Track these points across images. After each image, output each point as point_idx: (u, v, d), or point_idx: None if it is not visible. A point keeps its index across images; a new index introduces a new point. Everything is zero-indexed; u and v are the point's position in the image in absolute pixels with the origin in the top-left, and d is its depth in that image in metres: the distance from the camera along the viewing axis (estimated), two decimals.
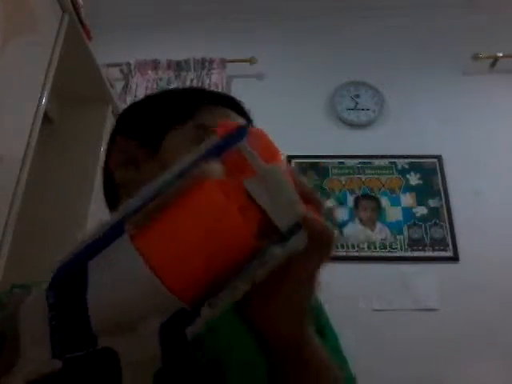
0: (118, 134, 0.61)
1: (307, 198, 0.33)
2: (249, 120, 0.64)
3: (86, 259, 0.27)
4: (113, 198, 0.62)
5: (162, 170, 0.53)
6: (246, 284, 0.30)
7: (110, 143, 0.62)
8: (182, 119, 0.58)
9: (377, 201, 2.17)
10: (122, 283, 0.27)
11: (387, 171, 2.23)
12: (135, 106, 0.67)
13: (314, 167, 2.25)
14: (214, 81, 2.36)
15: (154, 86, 2.38)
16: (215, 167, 0.30)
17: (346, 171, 2.24)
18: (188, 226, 0.28)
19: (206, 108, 0.60)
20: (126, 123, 0.63)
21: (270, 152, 0.32)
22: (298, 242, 0.31)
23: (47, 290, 0.27)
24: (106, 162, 0.62)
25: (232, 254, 0.28)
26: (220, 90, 2.33)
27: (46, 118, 1.34)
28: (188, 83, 2.37)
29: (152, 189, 0.30)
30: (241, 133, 0.31)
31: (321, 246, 0.34)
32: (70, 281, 0.27)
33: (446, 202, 2.13)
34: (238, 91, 2.44)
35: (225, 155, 0.31)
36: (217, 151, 0.31)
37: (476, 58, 2.37)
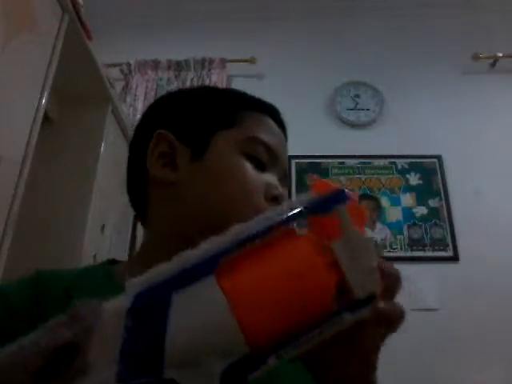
0: (157, 126, 0.55)
1: (383, 272, 0.33)
2: (285, 131, 0.62)
3: (171, 290, 0.27)
4: (138, 192, 0.57)
5: (203, 176, 0.52)
6: (313, 342, 0.30)
7: (145, 133, 0.57)
8: (226, 124, 0.55)
9: (377, 201, 2.17)
10: (202, 321, 0.27)
11: (387, 171, 2.23)
12: (174, 98, 0.62)
13: (314, 167, 2.25)
14: (214, 81, 2.36)
15: (154, 86, 2.38)
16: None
17: (346, 171, 2.24)
18: (276, 275, 0.29)
19: (251, 116, 0.57)
20: (166, 116, 0.58)
21: (360, 221, 0.32)
22: (367, 312, 0.31)
23: (127, 312, 0.27)
24: (137, 152, 0.57)
25: (311, 310, 0.29)
26: None
27: (46, 118, 1.34)
28: (188, 83, 2.37)
29: (246, 231, 0.29)
30: (341, 196, 0.31)
31: (391, 324, 0.35)
32: (152, 308, 0.27)
33: (446, 202, 2.13)
34: None
35: (318, 215, 0.31)
36: (322, 209, 0.31)
37: (476, 58, 2.37)
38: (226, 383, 0.27)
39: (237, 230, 0.30)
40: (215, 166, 0.52)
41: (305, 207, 0.31)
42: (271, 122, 0.58)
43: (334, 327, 0.30)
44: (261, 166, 0.53)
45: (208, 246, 0.29)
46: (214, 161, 0.53)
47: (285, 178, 0.57)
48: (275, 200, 0.51)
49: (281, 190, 0.52)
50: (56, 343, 0.25)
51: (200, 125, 0.55)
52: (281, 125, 0.60)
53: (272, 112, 0.60)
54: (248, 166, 0.52)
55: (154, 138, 0.54)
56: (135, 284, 0.28)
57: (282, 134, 0.59)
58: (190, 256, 0.29)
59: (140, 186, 0.56)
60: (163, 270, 0.28)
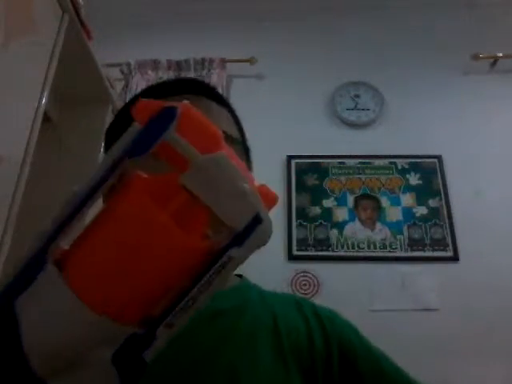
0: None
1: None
2: (223, 101, 0.59)
3: (11, 298, 0.24)
4: None
5: None
6: (207, 293, 0.26)
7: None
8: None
9: (377, 201, 2.17)
10: (55, 319, 0.24)
11: (387, 171, 2.23)
12: (108, 127, 0.63)
13: (314, 167, 2.25)
14: (214, 81, 2.36)
15: None
16: (139, 163, 0.25)
17: (346, 171, 2.24)
18: (115, 242, 0.25)
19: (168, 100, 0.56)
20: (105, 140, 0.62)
21: (206, 136, 0.26)
22: (259, 239, 0.26)
23: None
24: None
25: (173, 267, 0.25)
26: (220, 92, 2.33)
27: (46, 118, 1.34)
28: None
29: (70, 203, 0.26)
30: (167, 117, 0.25)
31: None
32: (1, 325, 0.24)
33: (446, 202, 2.13)
34: (237, 91, 2.44)
35: (154, 150, 0.25)
36: (143, 147, 0.25)
37: (476, 57, 2.37)
38: (122, 369, 0.25)
39: (64, 206, 0.26)
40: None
41: (125, 152, 0.26)
42: (172, 100, 0.56)
43: (226, 268, 0.26)
44: None
45: (37, 237, 0.26)
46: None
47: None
48: None
49: None
50: None
51: (112, 137, 0.56)
52: (204, 92, 0.58)
53: (187, 87, 0.57)
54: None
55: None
56: None
57: (201, 100, 0.56)
58: (25, 254, 0.26)
59: None
60: (3, 279, 0.25)
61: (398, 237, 2.08)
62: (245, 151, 0.61)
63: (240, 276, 0.64)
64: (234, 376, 0.49)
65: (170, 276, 0.25)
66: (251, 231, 0.25)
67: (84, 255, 0.25)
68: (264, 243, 0.26)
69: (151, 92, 0.59)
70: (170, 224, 0.25)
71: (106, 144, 0.61)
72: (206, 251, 0.26)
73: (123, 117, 0.57)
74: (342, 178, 2.22)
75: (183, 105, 0.26)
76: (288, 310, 0.60)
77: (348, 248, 2.06)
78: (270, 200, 0.27)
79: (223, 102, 0.60)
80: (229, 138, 0.53)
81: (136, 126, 0.26)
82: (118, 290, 0.25)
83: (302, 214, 2.13)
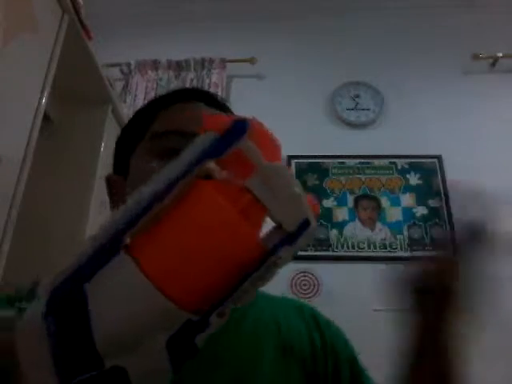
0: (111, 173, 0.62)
1: None
2: (222, 107, 0.61)
3: (82, 281, 0.26)
4: None
5: (130, 190, 0.54)
6: (256, 288, 0.29)
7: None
8: (140, 136, 0.57)
9: (377, 201, 2.17)
10: (124, 302, 0.26)
11: (387, 171, 2.23)
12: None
13: (314, 167, 2.25)
14: (214, 81, 2.36)
15: (154, 86, 2.38)
16: (212, 167, 0.28)
17: (346, 171, 2.24)
18: (187, 234, 0.27)
19: (161, 115, 0.58)
20: (113, 158, 0.64)
21: (269, 148, 0.30)
22: (306, 240, 0.29)
23: (44, 316, 0.26)
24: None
25: (236, 260, 0.27)
26: (220, 92, 2.33)
27: (46, 118, 1.34)
28: (188, 83, 2.37)
29: (145, 197, 0.28)
30: (240, 128, 0.29)
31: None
32: (69, 306, 0.26)
33: (445, 202, 2.13)
34: (238, 91, 2.44)
35: (224, 154, 0.29)
36: (220, 150, 0.29)
37: (476, 57, 2.37)
38: (175, 353, 0.27)
39: (137, 197, 0.28)
40: (132, 178, 0.56)
41: (204, 153, 0.28)
42: (181, 106, 0.58)
43: (274, 266, 0.28)
44: (174, 152, 0.53)
45: (109, 224, 0.28)
46: (132, 173, 0.56)
47: None
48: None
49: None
50: None
51: (120, 150, 0.60)
52: (202, 98, 0.60)
53: (183, 96, 0.60)
54: (158, 165, 0.51)
55: (106, 184, 0.61)
56: (46, 285, 0.26)
57: (199, 107, 0.58)
58: (95, 238, 0.27)
59: None
60: (70, 263, 0.27)
61: (398, 237, 2.08)
62: None
63: None
64: (237, 377, 0.49)
65: (233, 268, 0.27)
66: (301, 233, 0.29)
67: (158, 244, 0.27)
68: (308, 243, 0.30)
69: (155, 103, 0.61)
70: (240, 218, 0.27)
71: (115, 158, 0.62)
72: (265, 249, 0.28)
73: (132, 130, 0.60)
74: (342, 178, 2.22)
75: (252, 119, 0.30)
76: (290, 313, 0.60)
77: (348, 248, 2.06)
78: (315, 208, 0.30)
79: (223, 108, 0.61)
80: None
81: (211, 133, 0.29)
82: (186, 276, 0.27)
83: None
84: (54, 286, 0.26)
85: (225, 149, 0.28)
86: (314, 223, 0.29)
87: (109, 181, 0.60)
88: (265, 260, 0.28)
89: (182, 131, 0.53)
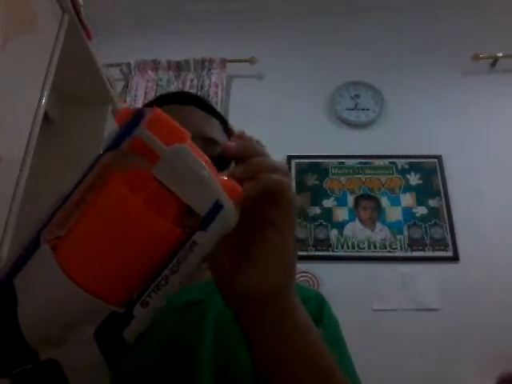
0: None
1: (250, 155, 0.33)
2: (213, 112, 0.64)
3: (11, 277, 0.27)
4: None
5: None
6: (177, 276, 0.29)
7: None
8: None
9: (377, 201, 2.17)
10: (44, 294, 0.27)
11: (387, 171, 2.23)
12: None
13: (314, 167, 2.25)
14: (214, 81, 2.36)
15: (154, 86, 2.38)
16: (118, 159, 0.29)
17: (346, 171, 2.24)
18: (98, 227, 0.28)
19: None
20: None
21: (173, 133, 0.30)
22: (223, 223, 0.28)
23: None
24: None
25: (146, 248, 0.28)
26: (220, 92, 2.33)
27: (46, 118, 1.34)
28: (188, 83, 2.37)
29: (63, 195, 0.29)
30: (135, 119, 0.29)
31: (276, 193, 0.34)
32: (1, 300, 0.27)
33: (446, 201, 2.13)
34: (237, 91, 2.44)
35: (128, 145, 0.29)
36: (118, 142, 0.29)
37: (476, 57, 2.37)
38: (104, 346, 0.27)
39: (57, 198, 0.30)
40: None
41: (105, 147, 0.30)
42: (168, 108, 0.60)
43: (193, 252, 0.28)
44: None
45: (35, 223, 0.29)
46: None
47: (207, 142, 0.57)
48: None
49: None
50: None
51: None
52: (191, 102, 0.63)
53: (172, 99, 0.62)
54: None
55: None
56: None
57: (187, 110, 0.61)
58: (25, 239, 0.29)
59: None
60: (7, 262, 0.28)
61: (398, 237, 2.08)
62: None
63: None
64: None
65: (146, 257, 0.28)
66: (214, 217, 0.28)
67: (73, 239, 0.28)
68: (228, 229, 0.29)
69: (154, 101, 0.65)
70: (141, 206, 0.27)
71: None
72: (178, 236, 0.28)
73: None
74: (342, 178, 2.22)
75: (153, 108, 0.29)
76: None
77: (348, 248, 2.06)
78: (236, 193, 0.30)
79: (213, 111, 0.64)
80: (214, 143, 0.58)
81: (115, 128, 0.30)
82: (101, 268, 0.27)
83: (302, 213, 2.13)
84: None
85: (121, 140, 0.29)
86: (228, 205, 0.28)
87: None
88: (180, 246, 0.28)
89: None
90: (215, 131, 0.61)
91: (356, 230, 2.10)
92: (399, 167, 2.24)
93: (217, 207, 0.28)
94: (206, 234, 0.28)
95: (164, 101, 0.62)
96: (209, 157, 0.55)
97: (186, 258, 0.28)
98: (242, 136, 0.36)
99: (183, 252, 0.28)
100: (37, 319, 0.27)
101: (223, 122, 0.66)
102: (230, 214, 0.29)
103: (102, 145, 0.30)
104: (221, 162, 0.56)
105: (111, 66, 2.16)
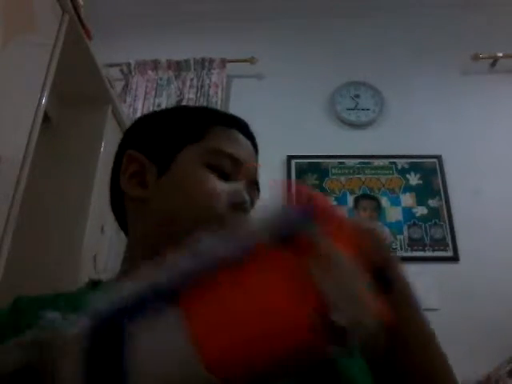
0: (129, 148, 0.59)
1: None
2: (254, 142, 0.64)
3: (124, 320, 0.25)
4: (118, 207, 0.60)
5: (169, 190, 0.54)
6: (292, 371, 0.28)
7: (119, 155, 0.60)
8: (193, 139, 0.57)
9: (377, 201, 2.17)
10: (163, 358, 0.25)
11: (387, 171, 2.23)
12: (146, 120, 0.65)
13: (314, 167, 2.25)
14: (214, 81, 2.36)
15: (154, 86, 2.38)
16: (276, 245, 0.28)
17: (346, 171, 2.24)
18: (242, 309, 0.26)
19: (217, 130, 0.59)
20: (137, 137, 0.62)
21: (340, 237, 0.29)
22: (364, 343, 0.27)
23: (80, 346, 0.25)
24: (114, 172, 0.60)
25: (283, 344, 0.26)
26: (220, 92, 2.33)
27: (46, 118, 1.34)
28: (188, 83, 2.37)
29: (210, 252, 0.27)
30: (310, 211, 0.29)
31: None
32: (105, 341, 0.25)
33: (445, 202, 2.13)
34: (237, 91, 2.44)
35: (294, 237, 0.28)
36: (285, 233, 0.28)
37: (476, 57, 2.37)
38: None
39: (203, 247, 0.27)
40: (179, 179, 0.55)
41: (275, 225, 0.28)
42: (238, 135, 0.60)
43: (315, 355, 0.27)
44: (225, 176, 0.55)
45: (166, 270, 0.27)
46: (179, 174, 0.55)
47: (253, 185, 0.59)
48: (240, 207, 0.53)
49: (246, 197, 0.54)
50: (8, 366, 0.24)
51: (166, 142, 0.58)
52: (250, 137, 0.62)
53: (240, 125, 0.62)
54: (211, 177, 0.54)
55: (125, 159, 0.57)
56: (94, 310, 0.26)
57: (249, 145, 0.61)
58: (145, 280, 0.26)
59: (119, 202, 0.59)
60: (121, 293, 0.26)
61: (398, 237, 2.08)
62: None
63: None
64: None
65: (275, 350, 0.26)
66: (356, 336, 0.27)
67: (212, 311, 0.26)
68: (367, 351, 0.30)
69: (212, 114, 0.62)
70: (295, 302, 0.26)
71: (152, 142, 0.60)
72: (309, 339, 0.26)
73: (183, 127, 0.59)
74: (342, 178, 2.22)
75: (334, 205, 0.29)
76: None
77: None
78: (381, 312, 0.28)
79: (252, 138, 0.63)
80: (257, 185, 0.60)
81: (286, 210, 0.29)
82: (233, 353, 0.25)
83: None
84: (96, 314, 0.25)
85: (289, 232, 0.28)
86: (367, 322, 0.27)
87: (131, 158, 0.58)
88: (308, 349, 0.26)
89: (236, 159, 0.56)
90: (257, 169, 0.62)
91: None
92: (399, 167, 2.24)
93: (355, 325, 0.27)
94: (342, 349, 0.27)
95: (232, 122, 0.61)
96: (251, 200, 0.56)
97: (311, 358, 0.27)
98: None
99: (310, 353, 0.27)
100: (146, 374, 0.24)
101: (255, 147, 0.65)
102: (373, 336, 0.28)
103: (265, 221, 0.29)
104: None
105: (111, 66, 2.16)
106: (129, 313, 0.25)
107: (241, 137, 0.60)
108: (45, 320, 0.26)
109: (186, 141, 0.57)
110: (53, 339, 0.25)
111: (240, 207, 0.53)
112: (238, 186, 0.55)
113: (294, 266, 0.27)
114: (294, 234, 0.28)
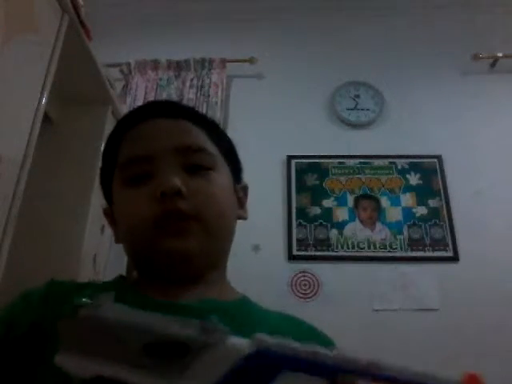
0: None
1: None
2: (181, 111, 0.61)
3: (284, 367, 0.27)
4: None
5: (118, 222, 0.57)
6: None
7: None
8: (112, 163, 0.58)
9: (377, 201, 2.17)
10: None
11: (387, 171, 2.23)
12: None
13: (314, 167, 2.25)
14: (214, 81, 2.36)
15: (154, 86, 2.38)
16: None
17: (346, 171, 2.24)
18: None
19: (126, 138, 0.58)
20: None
21: None
22: None
23: (240, 358, 0.27)
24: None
25: None
26: (220, 92, 2.33)
27: (46, 118, 1.34)
28: (188, 83, 2.37)
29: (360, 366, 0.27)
30: None
31: None
32: (259, 370, 0.27)
33: (445, 202, 2.13)
34: (237, 91, 2.44)
35: None
36: None
37: (476, 57, 2.37)
38: None
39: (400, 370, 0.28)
40: (116, 210, 0.58)
41: None
42: (144, 127, 0.58)
43: None
44: (148, 176, 0.53)
45: (342, 355, 0.27)
46: (115, 205, 0.58)
47: (189, 153, 0.55)
48: (167, 197, 0.51)
49: (165, 185, 0.51)
50: (177, 336, 0.26)
51: (103, 178, 0.61)
52: (171, 110, 0.60)
53: (151, 112, 0.59)
54: (129, 194, 0.54)
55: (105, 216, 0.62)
56: (262, 340, 0.27)
57: (164, 124, 0.58)
58: (321, 347, 0.27)
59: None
60: (292, 345, 0.27)
61: (398, 237, 2.08)
62: (234, 170, 0.62)
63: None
64: None
65: None
66: None
67: None
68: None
69: (119, 125, 0.61)
70: None
71: (102, 186, 0.63)
72: None
73: (106, 156, 0.61)
74: (342, 178, 2.22)
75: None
76: (287, 325, 0.58)
77: (348, 248, 2.06)
78: None
79: (187, 113, 0.61)
80: (194, 151, 0.55)
81: None
82: None
83: (302, 213, 2.13)
84: (265, 348, 0.27)
85: None
86: None
87: (106, 213, 0.62)
88: None
89: (145, 156, 0.54)
90: (190, 137, 0.57)
91: (356, 230, 2.10)
92: (399, 167, 2.24)
93: None
94: None
95: (135, 118, 0.59)
96: (187, 165, 0.54)
97: None
98: None
99: None
100: None
101: (212, 131, 0.61)
102: None
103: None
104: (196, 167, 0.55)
105: (111, 66, 2.16)
106: (286, 362, 0.27)
107: (147, 126, 0.57)
108: (213, 321, 0.28)
109: (110, 169, 0.58)
110: (219, 337, 0.27)
111: (167, 198, 0.51)
112: (160, 178, 0.52)
113: None
114: None
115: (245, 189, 0.65)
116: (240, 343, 0.27)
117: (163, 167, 0.53)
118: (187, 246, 0.51)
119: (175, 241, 0.51)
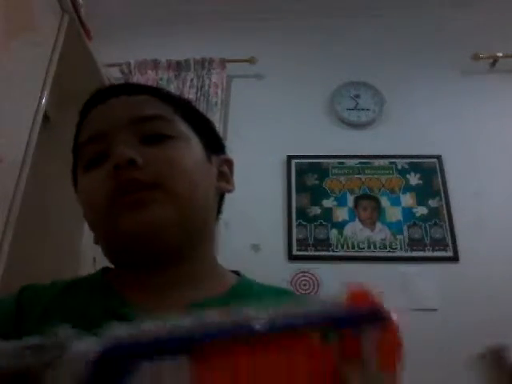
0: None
1: None
2: (143, 90, 0.59)
3: (137, 356, 0.24)
4: None
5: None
6: None
7: None
8: (76, 149, 0.59)
9: (377, 201, 2.17)
10: None
11: (387, 171, 2.23)
12: None
13: (314, 167, 2.25)
14: (214, 81, 2.36)
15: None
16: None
17: (346, 171, 2.24)
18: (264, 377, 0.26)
19: (83, 124, 0.59)
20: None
21: (388, 358, 0.29)
22: None
23: (82, 366, 0.24)
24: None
25: None
26: (220, 92, 2.33)
27: (46, 118, 1.34)
28: (188, 83, 2.37)
29: (243, 320, 0.26)
30: (371, 318, 0.29)
31: None
32: (107, 372, 0.24)
33: (445, 201, 2.13)
34: (238, 91, 2.44)
35: (345, 335, 0.28)
36: (350, 322, 0.28)
37: (476, 57, 2.37)
38: None
39: (240, 314, 0.26)
40: (79, 198, 0.57)
41: (332, 319, 0.28)
42: (97, 109, 0.58)
43: None
44: (104, 157, 0.52)
45: (196, 321, 0.26)
46: (78, 193, 0.57)
47: (136, 125, 0.53)
48: (121, 170, 0.49)
49: (115, 159, 0.49)
50: (11, 368, 0.24)
51: (73, 173, 0.62)
52: (111, 95, 0.58)
53: (104, 95, 0.59)
54: (87, 178, 0.53)
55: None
56: (110, 337, 0.25)
57: (116, 102, 0.57)
58: (173, 323, 0.26)
59: None
60: (144, 330, 0.25)
61: (398, 237, 2.08)
62: (208, 142, 0.58)
63: (237, 273, 0.60)
64: None
65: None
66: None
67: (221, 379, 0.25)
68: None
69: (81, 112, 0.63)
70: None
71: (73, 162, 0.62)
72: None
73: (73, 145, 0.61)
74: (342, 178, 2.22)
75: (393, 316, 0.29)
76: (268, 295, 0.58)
77: (348, 248, 2.06)
78: None
79: (143, 90, 0.60)
80: (145, 120, 0.53)
81: (339, 303, 0.29)
82: None
83: (302, 214, 2.13)
84: (114, 343, 0.25)
85: (350, 325, 0.28)
86: None
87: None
88: None
89: (96, 136, 0.54)
90: (145, 107, 0.55)
91: (356, 230, 2.10)
92: (399, 167, 2.24)
93: None
94: None
95: (92, 102, 0.59)
96: (145, 135, 0.52)
97: None
98: None
99: None
100: None
101: (180, 106, 0.59)
102: None
103: (325, 305, 0.29)
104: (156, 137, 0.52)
105: (111, 65, 2.16)
106: (139, 351, 0.25)
107: (103, 106, 0.57)
108: (56, 331, 0.26)
109: (75, 156, 0.59)
110: (58, 351, 0.25)
111: (121, 170, 0.48)
112: (113, 153, 0.50)
113: (323, 359, 0.27)
114: (343, 330, 0.28)
115: (229, 162, 0.62)
116: (85, 347, 0.24)
117: (117, 142, 0.51)
118: (147, 219, 0.47)
119: (132, 214, 0.47)
